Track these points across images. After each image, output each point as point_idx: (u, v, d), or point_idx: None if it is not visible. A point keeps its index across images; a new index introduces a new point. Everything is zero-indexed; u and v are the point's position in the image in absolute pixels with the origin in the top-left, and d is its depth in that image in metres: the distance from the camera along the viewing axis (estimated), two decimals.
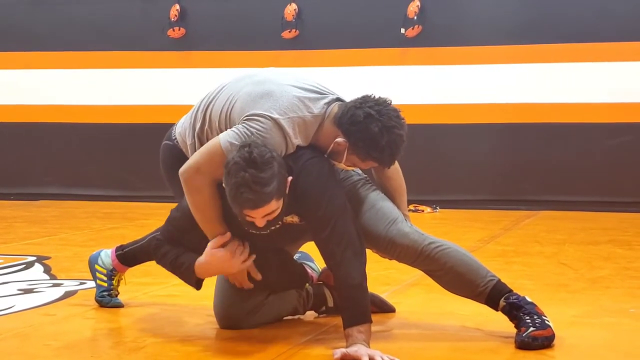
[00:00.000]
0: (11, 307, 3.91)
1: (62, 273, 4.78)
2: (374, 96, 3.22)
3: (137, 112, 9.40)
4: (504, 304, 3.28)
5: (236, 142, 3.09)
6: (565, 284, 4.52)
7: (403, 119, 3.21)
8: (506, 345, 3.21)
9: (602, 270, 4.97)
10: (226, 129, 3.23)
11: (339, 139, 3.19)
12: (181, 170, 3.22)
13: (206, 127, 3.34)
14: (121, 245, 3.89)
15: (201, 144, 3.36)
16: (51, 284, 4.48)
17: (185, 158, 3.38)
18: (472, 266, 3.33)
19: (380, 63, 8.85)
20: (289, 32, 8.99)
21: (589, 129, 8.48)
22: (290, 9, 8.96)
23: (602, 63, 8.43)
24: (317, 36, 8.99)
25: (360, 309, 3.08)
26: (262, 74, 3.37)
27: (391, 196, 3.46)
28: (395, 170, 3.49)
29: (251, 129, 3.13)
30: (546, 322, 3.22)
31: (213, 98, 3.35)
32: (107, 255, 3.87)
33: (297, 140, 3.19)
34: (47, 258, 5.30)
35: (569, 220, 7.58)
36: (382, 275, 4.51)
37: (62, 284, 4.48)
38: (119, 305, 3.85)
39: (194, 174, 3.18)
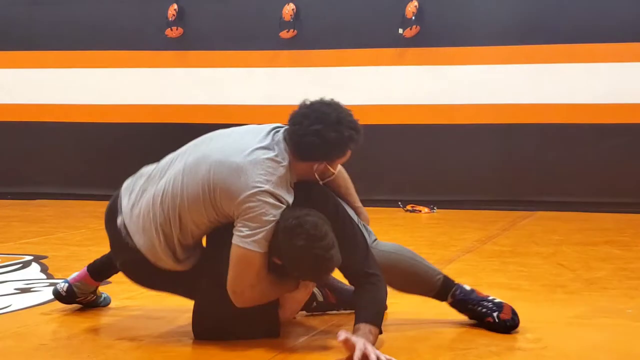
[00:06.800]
0: (8, 306, 3.91)
1: (59, 272, 4.77)
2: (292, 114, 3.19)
3: (134, 111, 9.39)
4: (452, 300, 3.45)
5: (264, 241, 3.05)
6: (563, 285, 4.52)
7: (335, 105, 3.17)
8: (503, 344, 3.21)
9: (599, 271, 4.97)
10: (222, 210, 3.13)
11: (316, 166, 3.18)
12: (235, 295, 3.13)
13: (184, 226, 3.18)
14: (91, 264, 3.80)
15: (180, 244, 3.23)
16: (48, 284, 4.47)
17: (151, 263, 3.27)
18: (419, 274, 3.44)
19: (378, 63, 8.85)
20: (287, 32, 8.99)
21: (586, 130, 8.48)
22: (288, 9, 8.96)
23: (601, 64, 8.42)
24: (315, 36, 8.99)
25: (377, 311, 3.14)
26: (209, 149, 3.20)
27: (339, 193, 3.43)
28: None
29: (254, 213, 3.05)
30: (495, 301, 3.40)
31: (177, 197, 3.16)
32: (82, 284, 3.77)
33: (289, 197, 3.12)
34: (44, 257, 5.30)
35: (566, 221, 7.58)
36: None
37: (58, 283, 4.46)
38: (108, 300, 3.87)
39: (251, 291, 3.13)
